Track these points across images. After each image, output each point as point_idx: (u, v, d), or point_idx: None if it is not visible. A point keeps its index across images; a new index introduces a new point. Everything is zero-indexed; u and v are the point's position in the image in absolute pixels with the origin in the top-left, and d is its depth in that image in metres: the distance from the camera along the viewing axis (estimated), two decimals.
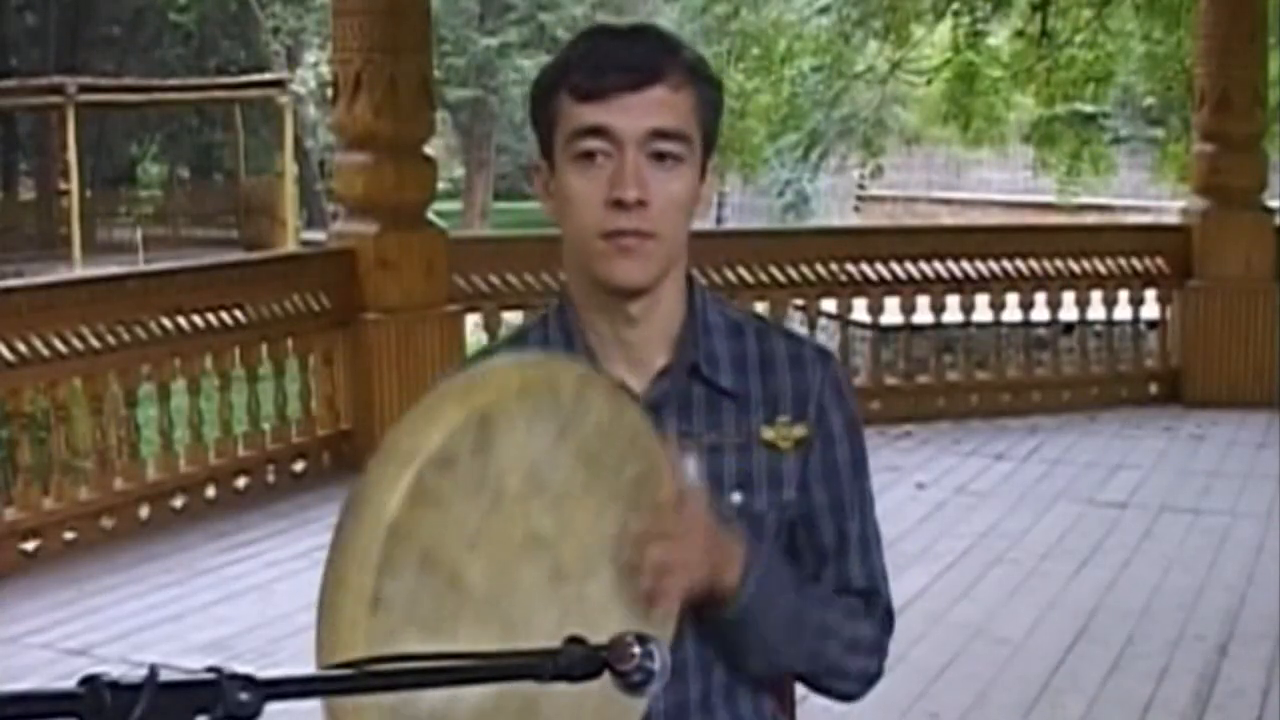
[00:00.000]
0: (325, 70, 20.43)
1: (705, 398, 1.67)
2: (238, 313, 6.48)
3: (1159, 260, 8.62)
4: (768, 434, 1.67)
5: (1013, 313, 8.38)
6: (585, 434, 1.44)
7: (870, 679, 1.72)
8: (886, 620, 1.73)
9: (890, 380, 8.32)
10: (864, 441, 1.75)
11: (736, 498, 1.66)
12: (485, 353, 1.81)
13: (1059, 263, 8.48)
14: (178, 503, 6.24)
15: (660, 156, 1.58)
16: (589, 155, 1.57)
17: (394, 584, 1.30)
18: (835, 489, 1.71)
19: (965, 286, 8.26)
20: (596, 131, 1.57)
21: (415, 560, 1.32)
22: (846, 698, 1.74)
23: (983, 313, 8.30)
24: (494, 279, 7.24)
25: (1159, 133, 18.39)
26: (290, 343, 6.80)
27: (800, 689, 1.82)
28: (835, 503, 1.71)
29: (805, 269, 7.98)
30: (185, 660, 4.27)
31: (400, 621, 1.31)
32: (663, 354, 1.67)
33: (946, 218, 20.65)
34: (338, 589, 1.31)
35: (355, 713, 1.28)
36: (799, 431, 1.68)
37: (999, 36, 15.82)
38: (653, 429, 1.52)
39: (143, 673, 0.99)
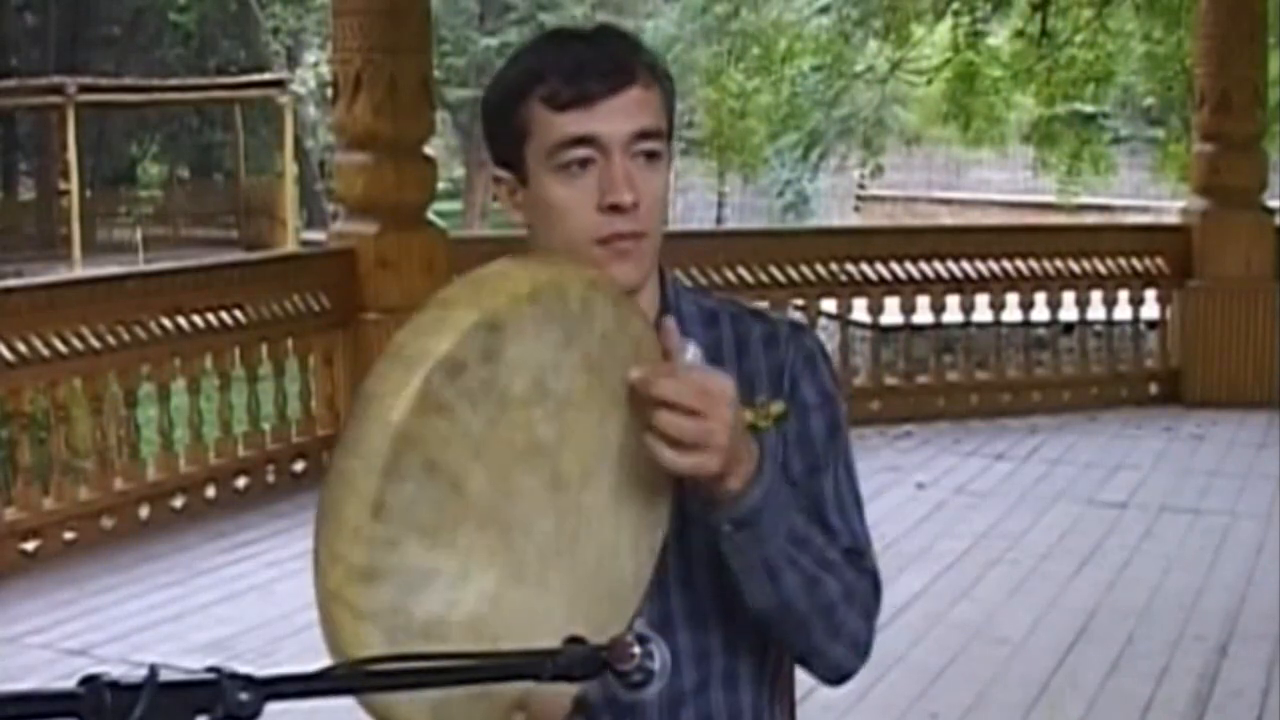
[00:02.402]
0: (325, 70, 20.44)
1: None
2: (238, 313, 6.48)
3: (1159, 260, 8.62)
4: (747, 416, 1.63)
5: (1013, 313, 8.38)
6: (590, 342, 1.42)
7: (862, 649, 1.66)
8: (876, 587, 1.68)
9: (890, 380, 8.32)
10: (840, 409, 1.71)
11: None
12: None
13: (1059, 263, 8.49)
14: (178, 503, 6.25)
15: (643, 156, 1.57)
16: (577, 163, 1.55)
17: (397, 490, 1.29)
18: (810, 454, 1.68)
19: (965, 286, 8.27)
20: (582, 141, 1.54)
21: (420, 467, 1.31)
22: (839, 672, 1.67)
23: (983, 313, 8.30)
24: None
25: (1159, 133, 18.41)
26: (290, 343, 6.81)
27: (800, 690, 1.82)
28: (811, 466, 1.68)
29: (805, 269, 7.98)
30: (185, 660, 4.27)
31: (401, 529, 1.30)
32: None
33: (946, 218, 20.64)
34: (341, 490, 1.30)
35: (354, 623, 1.28)
36: (776, 408, 1.67)
37: (999, 36, 15.81)
38: (655, 336, 1.51)
39: (143, 673, 0.99)
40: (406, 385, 1.30)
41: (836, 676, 1.68)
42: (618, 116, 1.55)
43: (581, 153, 1.55)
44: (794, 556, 1.57)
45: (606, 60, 1.56)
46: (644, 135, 1.56)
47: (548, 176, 1.57)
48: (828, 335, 8.88)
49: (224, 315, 6.43)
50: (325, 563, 1.30)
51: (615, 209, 1.55)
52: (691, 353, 1.51)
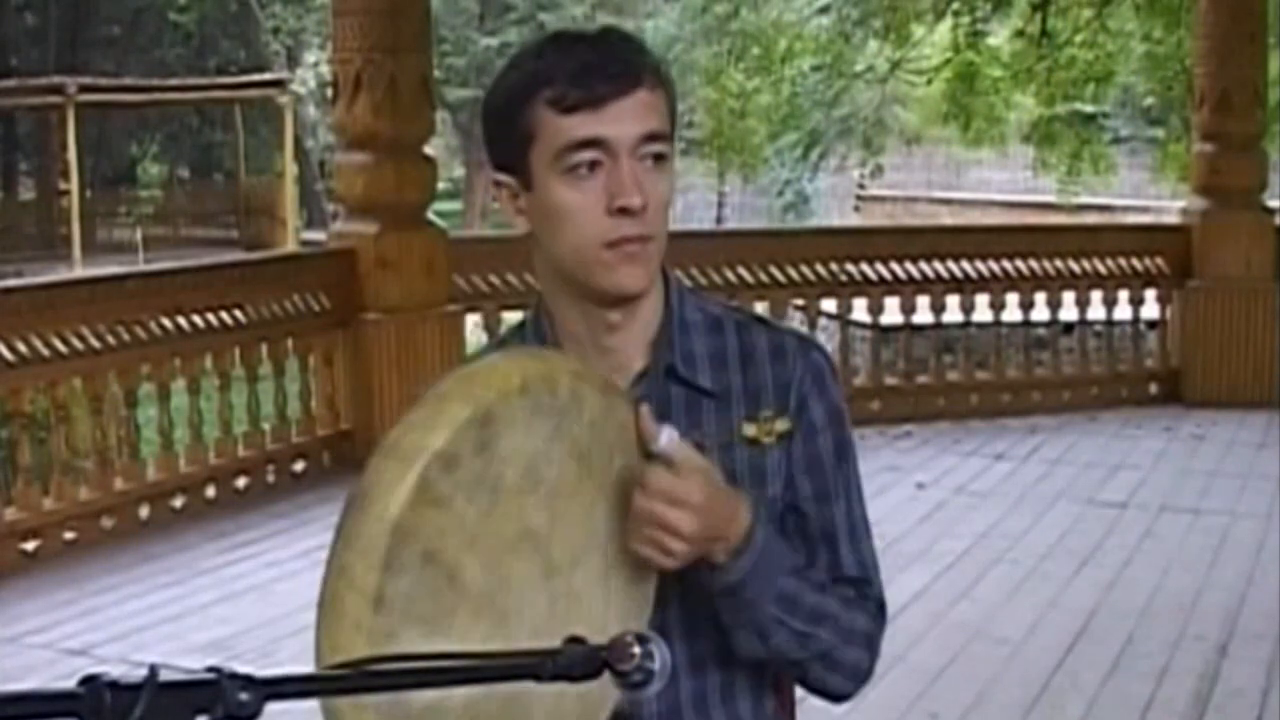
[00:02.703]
0: (325, 70, 20.44)
1: (684, 399, 1.65)
2: (238, 313, 6.48)
3: (1159, 260, 8.62)
4: (750, 430, 1.65)
5: (1013, 313, 8.38)
6: (578, 430, 1.45)
7: (863, 675, 1.68)
8: (879, 613, 1.69)
9: (890, 380, 8.32)
10: (849, 429, 1.71)
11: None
12: (472, 360, 1.78)
13: (1059, 263, 8.48)
14: (178, 503, 6.24)
15: (650, 158, 1.56)
16: (585, 166, 1.54)
17: (396, 582, 1.31)
18: (819, 478, 1.67)
19: (965, 286, 8.27)
20: (591, 143, 1.54)
21: (417, 559, 1.33)
22: (839, 696, 1.69)
23: (983, 313, 8.30)
24: (494, 279, 7.24)
25: (1159, 133, 18.40)
26: (290, 343, 6.80)
27: (800, 690, 1.82)
28: (820, 491, 1.67)
29: (805, 269, 7.98)
30: (185, 660, 4.27)
31: (400, 620, 1.32)
32: (640, 357, 1.65)
33: (946, 218, 20.66)
34: (342, 585, 1.32)
35: (354, 710, 1.29)
36: (781, 425, 1.66)
37: (999, 36, 15.82)
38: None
39: (143, 673, 0.99)
40: (403, 480, 1.32)
41: (835, 699, 1.71)
42: (626, 119, 1.54)
43: (589, 155, 1.54)
44: (783, 619, 1.59)
45: (614, 62, 1.56)
46: (651, 138, 1.56)
47: (555, 180, 1.56)
48: (828, 335, 8.88)
49: (224, 315, 6.43)
50: (326, 654, 1.31)
51: (624, 212, 1.54)
52: (666, 437, 1.51)
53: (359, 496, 1.34)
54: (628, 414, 1.51)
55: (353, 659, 1.28)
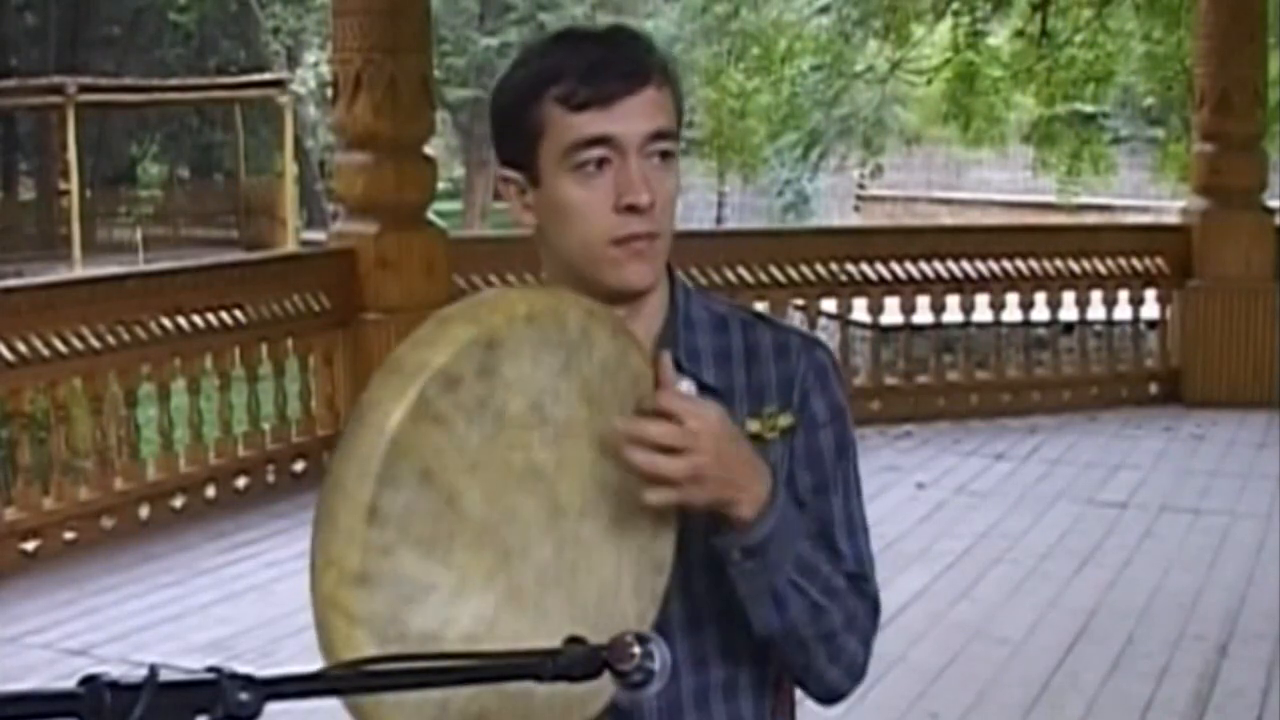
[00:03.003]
0: (325, 70, 20.43)
1: None
2: (238, 313, 6.48)
3: (1159, 260, 8.62)
4: (753, 426, 1.64)
5: (1013, 313, 8.38)
6: (589, 371, 1.44)
7: (858, 671, 1.67)
8: (874, 612, 1.69)
9: (890, 380, 8.32)
10: (850, 426, 1.72)
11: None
12: None
13: (1059, 263, 8.48)
14: (178, 503, 6.24)
15: (658, 156, 1.57)
16: (593, 163, 1.55)
17: (392, 496, 1.30)
18: (819, 471, 1.68)
19: (965, 286, 8.27)
20: (599, 141, 1.54)
21: (415, 476, 1.32)
22: (836, 694, 1.69)
23: (983, 313, 8.30)
24: (494, 279, 7.22)
25: (1159, 133, 18.41)
26: (290, 343, 6.81)
27: (800, 690, 1.82)
28: (819, 484, 1.68)
29: (805, 269, 7.98)
30: (185, 660, 4.27)
31: (396, 536, 1.31)
32: None
33: (946, 218, 20.64)
34: (336, 496, 1.31)
35: (348, 629, 1.29)
36: (785, 420, 1.66)
37: (999, 36, 15.82)
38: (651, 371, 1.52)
39: (143, 673, 0.99)
40: (402, 394, 1.32)
41: (830, 698, 1.70)
42: (634, 117, 1.55)
43: (598, 153, 1.55)
44: (801, 585, 1.58)
45: (623, 60, 1.56)
46: (659, 136, 1.57)
47: (563, 177, 1.56)
48: (828, 335, 8.88)
49: (224, 315, 6.43)
50: (320, 566, 1.31)
51: (632, 209, 1.55)
52: (686, 388, 1.51)
53: (358, 411, 1.34)
54: (641, 363, 1.50)
55: (347, 570, 1.28)
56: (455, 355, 1.34)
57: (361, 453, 1.31)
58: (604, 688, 1.40)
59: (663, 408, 1.46)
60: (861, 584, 1.68)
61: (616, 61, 1.56)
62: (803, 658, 1.64)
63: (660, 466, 1.44)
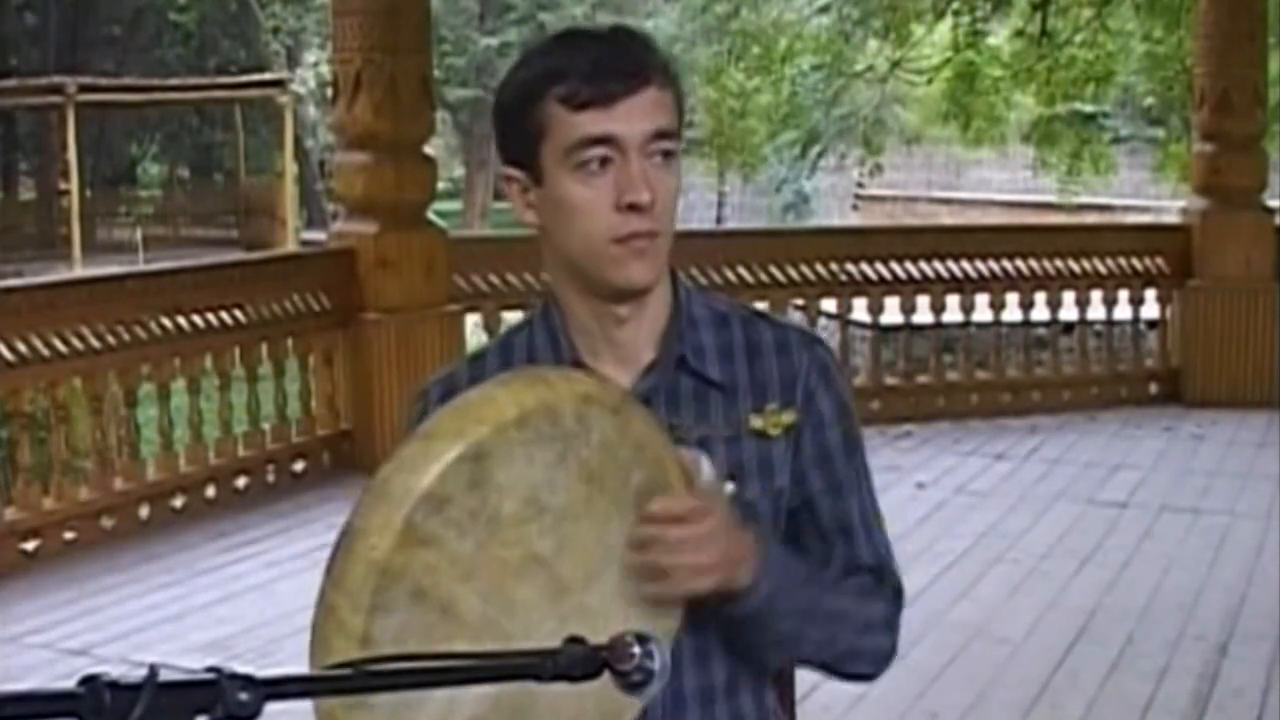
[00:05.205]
0: (325, 70, 20.43)
1: (693, 390, 1.67)
2: (238, 313, 6.48)
3: (1159, 260, 8.62)
4: (756, 422, 1.66)
5: (1013, 313, 8.38)
6: (587, 453, 1.42)
7: (885, 656, 1.71)
8: (896, 597, 1.72)
9: (890, 380, 8.32)
10: (856, 421, 1.75)
11: (729, 487, 1.65)
12: (477, 357, 1.77)
13: (1059, 263, 8.48)
14: (178, 503, 6.24)
15: (660, 155, 1.58)
16: (595, 162, 1.56)
17: (384, 622, 1.31)
18: (831, 472, 1.70)
19: (965, 286, 8.27)
20: (601, 140, 1.56)
21: (406, 597, 1.32)
22: (863, 678, 1.73)
23: (983, 313, 8.30)
24: (494, 279, 7.24)
25: (1159, 133, 18.41)
26: (290, 343, 6.80)
27: (800, 689, 1.82)
28: (832, 485, 1.70)
29: (805, 269, 7.98)
30: (185, 660, 4.27)
31: (392, 651, 1.31)
32: (650, 349, 1.67)
33: (946, 218, 20.62)
34: (330, 624, 1.32)
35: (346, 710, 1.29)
36: (787, 418, 1.68)
37: (999, 36, 15.83)
38: (663, 435, 1.52)
39: (143, 673, 0.99)
40: (389, 524, 1.31)
41: (861, 680, 1.76)
42: (636, 116, 1.56)
43: (600, 152, 1.56)
44: (806, 631, 1.62)
45: (626, 60, 1.58)
46: (661, 135, 1.58)
47: (565, 176, 1.58)
48: (828, 335, 8.88)
49: (224, 315, 6.43)
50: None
51: (634, 208, 1.56)
52: (706, 470, 1.53)
53: (346, 537, 1.33)
54: (644, 428, 1.49)
55: (350, 659, 1.28)
56: (441, 476, 1.33)
57: (351, 585, 1.31)
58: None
59: (676, 513, 1.49)
60: (881, 574, 1.72)
61: (618, 61, 1.57)
62: (822, 668, 1.71)
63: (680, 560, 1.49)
